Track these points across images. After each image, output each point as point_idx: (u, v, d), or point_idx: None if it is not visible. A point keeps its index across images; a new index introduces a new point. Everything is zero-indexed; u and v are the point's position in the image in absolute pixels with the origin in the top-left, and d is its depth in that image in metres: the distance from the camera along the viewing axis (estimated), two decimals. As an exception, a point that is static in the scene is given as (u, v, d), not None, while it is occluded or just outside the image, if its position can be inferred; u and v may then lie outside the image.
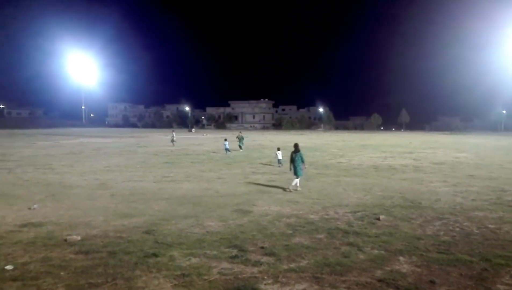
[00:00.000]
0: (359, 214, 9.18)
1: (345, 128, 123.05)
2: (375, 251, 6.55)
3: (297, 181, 12.57)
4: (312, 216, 8.93)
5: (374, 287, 5.14)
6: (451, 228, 8.05)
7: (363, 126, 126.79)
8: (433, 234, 7.63)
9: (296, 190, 12.39)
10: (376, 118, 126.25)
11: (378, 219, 8.65)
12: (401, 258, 6.25)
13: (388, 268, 5.80)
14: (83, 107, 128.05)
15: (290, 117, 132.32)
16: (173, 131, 34.70)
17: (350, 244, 6.89)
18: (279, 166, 19.01)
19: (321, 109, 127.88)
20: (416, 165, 20.09)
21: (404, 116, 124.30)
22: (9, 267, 5.69)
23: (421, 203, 10.47)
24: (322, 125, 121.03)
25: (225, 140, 28.64)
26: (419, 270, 5.77)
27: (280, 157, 19.62)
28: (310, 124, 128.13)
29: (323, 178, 15.29)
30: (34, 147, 31.93)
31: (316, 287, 5.10)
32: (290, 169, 12.85)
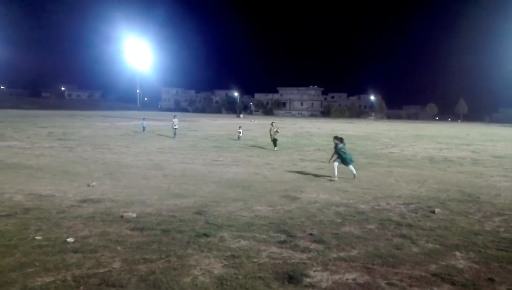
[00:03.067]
0: (412, 206, 8.86)
1: (398, 117, 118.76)
2: (430, 245, 6.30)
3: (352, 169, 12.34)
4: (362, 206, 8.74)
5: (428, 281, 4.95)
6: (512, 225, 7.58)
7: (417, 116, 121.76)
8: (492, 230, 7.21)
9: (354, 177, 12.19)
10: (431, 107, 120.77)
11: (433, 212, 8.30)
12: (457, 253, 5.97)
13: (443, 263, 5.56)
14: (138, 91, 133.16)
15: (339, 105, 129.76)
16: (174, 116, 28.95)
17: (403, 236, 6.68)
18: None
19: (372, 97, 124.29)
20: (475, 158, 19.02)
21: (462, 106, 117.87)
22: (70, 239, 6.05)
23: (479, 197, 9.92)
24: (373, 114, 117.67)
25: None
26: (476, 266, 5.48)
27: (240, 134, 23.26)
28: (360, 112, 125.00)
29: (374, 168, 14.89)
30: (92, 128, 33.69)
31: (367, 277, 5.00)
32: (330, 161, 12.59)
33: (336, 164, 12.07)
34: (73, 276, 4.75)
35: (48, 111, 77.19)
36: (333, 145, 12.68)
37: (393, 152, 21.03)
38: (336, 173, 11.94)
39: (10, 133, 25.49)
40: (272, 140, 21.21)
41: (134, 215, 7.38)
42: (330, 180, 11.80)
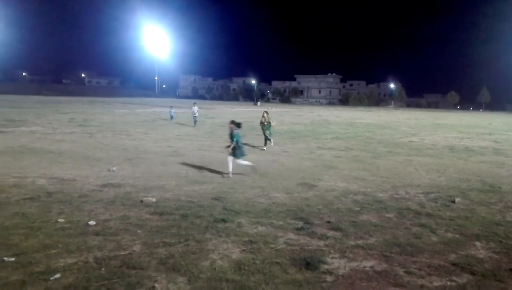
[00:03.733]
0: (432, 195, 8.74)
1: (418, 106, 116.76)
2: (449, 234, 6.22)
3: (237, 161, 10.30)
4: (380, 195, 8.66)
5: (447, 270, 4.91)
6: (536, 216, 7.40)
7: (438, 105, 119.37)
8: (515, 221, 7.07)
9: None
10: (452, 96, 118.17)
11: (453, 201, 8.18)
12: (477, 243, 5.89)
13: (463, 253, 5.50)
14: (156, 78, 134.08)
15: (358, 93, 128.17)
16: (194, 104, 27.41)
17: (422, 225, 6.61)
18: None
19: (392, 85, 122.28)
20: (497, 148, 18.60)
21: (485, 95, 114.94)
22: (92, 222, 6.20)
23: (501, 187, 9.72)
24: (392, 102, 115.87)
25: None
26: (497, 257, 5.40)
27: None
28: (379, 100, 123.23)
29: (393, 156, 14.71)
30: (112, 114, 34.14)
31: (384, 265, 4.98)
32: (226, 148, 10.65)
33: (231, 158, 10.19)
34: (95, 258, 4.87)
35: (69, 98, 78.56)
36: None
37: (412, 141, 20.73)
38: (230, 169, 10.15)
39: (32, 119, 26.06)
40: (264, 135, 16.38)
41: (154, 199, 7.50)
42: (223, 176, 10.07)
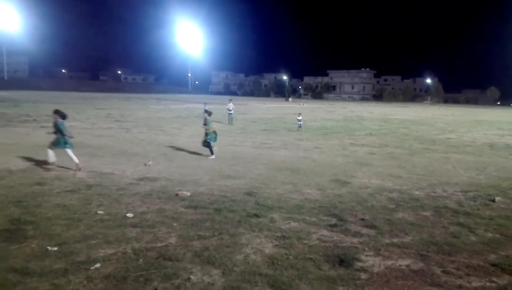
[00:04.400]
0: (470, 194, 8.46)
1: (456, 101, 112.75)
2: (489, 234, 6.02)
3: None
4: (417, 193, 8.46)
5: (486, 271, 4.75)
6: None
7: (477, 101, 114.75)
8: (562, 222, 6.74)
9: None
10: (493, 91, 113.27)
11: (493, 200, 7.88)
12: (520, 244, 5.67)
13: (503, 253, 5.30)
14: (189, 74, 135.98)
15: (393, 88, 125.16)
16: (230, 100, 24.37)
17: (460, 224, 6.42)
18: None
19: (428, 80, 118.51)
20: (542, 146, 17.72)
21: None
22: (129, 215, 6.40)
23: (546, 187, 9.27)
24: (429, 98, 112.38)
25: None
26: (541, 259, 5.18)
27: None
28: (415, 96, 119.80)
29: (429, 153, 14.31)
30: (147, 110, 34.96)
31: (421, 264, 4.88)
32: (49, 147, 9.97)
33: (51, 149, 9.77)
34: (133, 249, 5.03)
35: (106, 94, 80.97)
36: None
37: (450, 138, 20.07)
38: (51, 160, 9.70)
39: (71, 114, 27.07)
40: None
41: (188, 193, 7.65)
42: (46, 168, 9.64)
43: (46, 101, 41.97)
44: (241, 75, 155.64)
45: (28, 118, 23.85)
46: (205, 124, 12.50)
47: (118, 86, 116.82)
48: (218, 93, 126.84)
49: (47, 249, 4.96)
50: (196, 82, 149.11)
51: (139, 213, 6.51)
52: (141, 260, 4.74)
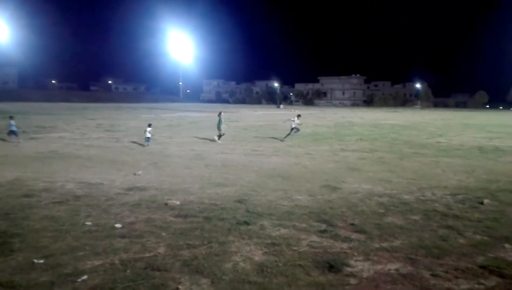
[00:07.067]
0: (459, 197, 8.52)
1: (445, 106, 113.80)
2: (477, 236, 6.06)
3: None
4: (406, 197, 8.51)
5: (475, 273, 4.78)
6: None
7: (466, 104, 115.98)
8: (548, 223, 6.81)
9: None
10: (481, 95, 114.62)
11: (482, 203, 7.95)
12: (507, 245, 5.71)
13: (491, 255, 5.34)
14: (180, 83, 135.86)
15: (383, 94, 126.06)
16: (149, 125, 17.35)
17: (448, 227, 6.45)
18: (146, 145, 16.53)
19: (418, 85, 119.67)
20: (529, 148, 17.93)
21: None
22: (118, 225, 6.34)
23: (534, 189, 9.37)
24: (418, 102, 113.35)
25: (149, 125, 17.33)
26: (528, 260, 5.22)
27: (148, 134, 16.78)
28: (405, 101, 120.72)
29: (419, 157, 14.42)
30: (138, 120, 34.80)
31: (410, 268, 4.89)
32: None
33: None
34: (121, 260, 4.98)
35: (96, 104, 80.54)
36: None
37: (439, 142, 20.24)
38: None
39: (61, 125, 26.87)
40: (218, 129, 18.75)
41: (178, 202, 7.61)
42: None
43: (35, 113, 41.63)
44: (233, 83, 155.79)
45: (18, 129, 23.60)
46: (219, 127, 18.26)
47: (108, 96, 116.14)
48: (210, 101, 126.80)
49: (34, 261, 4.90)
50: (188, 91, 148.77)
51: (127, 223, 6.46)
52: (128, 271, 4.69)
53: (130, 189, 8.83)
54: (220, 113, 19.02)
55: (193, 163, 12.46)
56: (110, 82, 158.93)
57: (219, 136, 18.72)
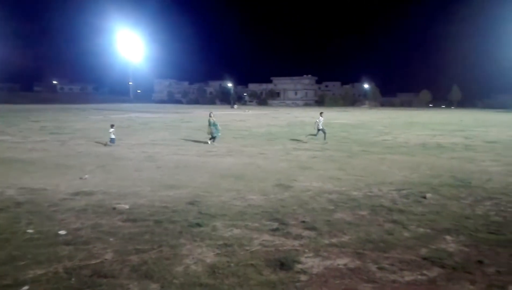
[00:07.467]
0: (404, 192, 8.93)
1: (392, 105, 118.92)
2: (421, 229, 6.36)
3: None
4: (355, 193, 8.79)
5: (418, 265, 5.01)
6: (502, 208, 7.65)
7: (411, 103, 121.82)
8: (483, 214, 7.30)
9: None
10: (425, 94, 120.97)
11: (424, 197, 8.37)
12: (448, 237, 6.04)
13: (433, 247, 5.63)
14: (130, 83, 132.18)
15: (334, 94, 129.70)
16: (111, 126, 17.88)
17: (394, 221, 6.74)
18: (110, 145, 16.85)
19: (366, 85, 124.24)
20: (467, 144, 19.16)
21: (455, 93, 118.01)
22: (62, 232, 6.05)
23: (471, 182, 10.01)
24: (367, 102, 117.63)
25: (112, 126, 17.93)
26: (467, 249, 5.55)
27: (112, 135, 17.26)
28: (354, 100, 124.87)
29: (367, 155, 14.95)
30: (85, 121, 33.47)
31: (358, 262, 5.05)
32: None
33: None
34: (65, 268, 4.75)
35: (41, 105, 76.55)
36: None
37: (386, 140, 21.12)
38: None
39: (2, 128, 25.28)
40: (208, 134, 18.14)
41: (127, 206, 7.38)
42: None
43: (-28, 115, 38.87)
44: (185, 83, 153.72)
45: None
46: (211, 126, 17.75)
47: (54, 97, 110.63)
48: (162, 101, 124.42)
49: (-32, 274, 4.56)
50: (138, 91, 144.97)
51: (72, 229, 6.18)
52: (73, 279, 4.48)
53: (76, 194, 8.45)
54: (210, 114, 18.11)
55: (144, 165, 12.15)
56: (55, 82, 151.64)
57: (213, 138, 17.87)
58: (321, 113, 21.18)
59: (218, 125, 18.24)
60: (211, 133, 18.04)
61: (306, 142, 19.33)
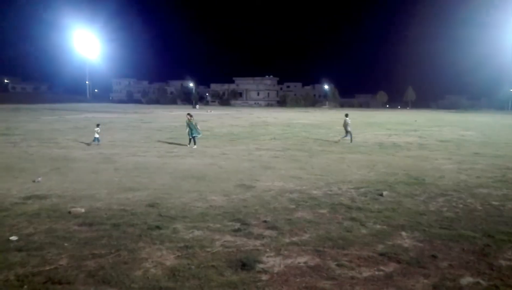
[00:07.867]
0: (362, 190, 9.18)
1: (350, 105, 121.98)
2: (378, 226, 6.56)
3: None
4: (315, 192, 8.94)
5: (375, 260, 5.17)
6: (454, 204, 8.04)
7: (369, 104, 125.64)
8: (436, 210, 7.63)
9: None
10: (381, 95, 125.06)
11: (381, 195, 8.65)
12: (403, 233, 6.27)
13: (390, 243, 5.82)
14: (87, 82, 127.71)
15: (295, 94, 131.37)
16: (97, 125, 18.06)
17: (352, 219, 6.91)
18: (95, 144, 17.14)
19: (326, 86, 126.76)
20: (421, 143, 19.99)
21: (410, 94, 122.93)
22: (13, 238, 5.76)
23: (424, 180, 10.44)
24: (327, 103, 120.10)
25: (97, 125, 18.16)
26: (421, 245, 5.78)
27: (97, 135, 17.63)
28: (315, 101, 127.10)
29: (327, 155, 15.25)
30: (39, 122, 32.02)
31: (317, 260, 5.13)
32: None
33: None
34: (16, 275, 4.53)
35: (-10, 105, 72.51)
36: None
37: (345, 139, 21.60)
38: None
39: None
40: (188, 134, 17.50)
41: (83, 210, 7.12)
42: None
43: None
44: (145, 82, 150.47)
45: None
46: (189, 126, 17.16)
47: (5, 97, 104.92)
48: (121, 101, 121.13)
49: None
50: (96, 90, 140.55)
51: (25, 235, 5.89)
52: (25, 286, 4.28)
53: (28, 197, 8.06)
54: (189, 114, 17.81)
55: (101, 167, 11.78)
56: (6, 81, 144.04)
57: (193, 140, 17.22)
58: (346, 115, 21.47)
59: (197, 126, 17.74)
60: (190, 134, 17.39)
61: (337, 142, 19.82)
